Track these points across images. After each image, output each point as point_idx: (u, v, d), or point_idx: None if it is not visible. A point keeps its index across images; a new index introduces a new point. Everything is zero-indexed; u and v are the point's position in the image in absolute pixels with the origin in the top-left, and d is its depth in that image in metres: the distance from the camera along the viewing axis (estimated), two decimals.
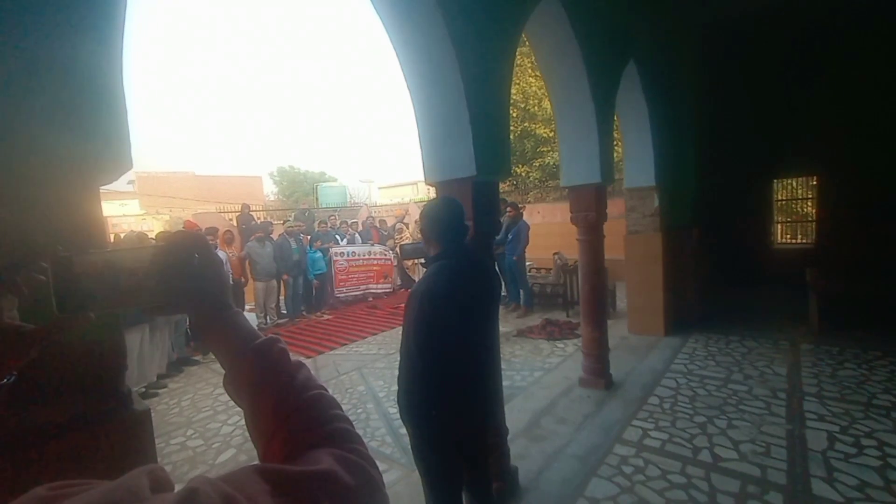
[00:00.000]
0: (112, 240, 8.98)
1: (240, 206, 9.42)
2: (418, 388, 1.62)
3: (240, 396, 0.52)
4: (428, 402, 1.61)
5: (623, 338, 5.01)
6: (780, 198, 8.54)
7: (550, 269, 8.29)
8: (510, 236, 6.65)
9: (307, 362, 5.32)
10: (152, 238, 5.24)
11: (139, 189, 27.06)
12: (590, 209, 3.39)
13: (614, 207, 10.27)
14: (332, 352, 5.47)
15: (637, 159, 4.67)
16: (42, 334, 0.57)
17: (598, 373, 3.63)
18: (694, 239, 5.67)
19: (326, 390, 0.54)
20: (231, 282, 6.17)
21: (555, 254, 8.11)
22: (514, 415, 3.26)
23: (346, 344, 5.74)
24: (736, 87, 7.67)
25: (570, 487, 2.39)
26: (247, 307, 7.00)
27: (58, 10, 0.91)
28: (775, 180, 8.33)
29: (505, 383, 3.92)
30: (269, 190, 31.58)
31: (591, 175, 3.31)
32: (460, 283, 1.62)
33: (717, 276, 7.04)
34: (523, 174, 13.60)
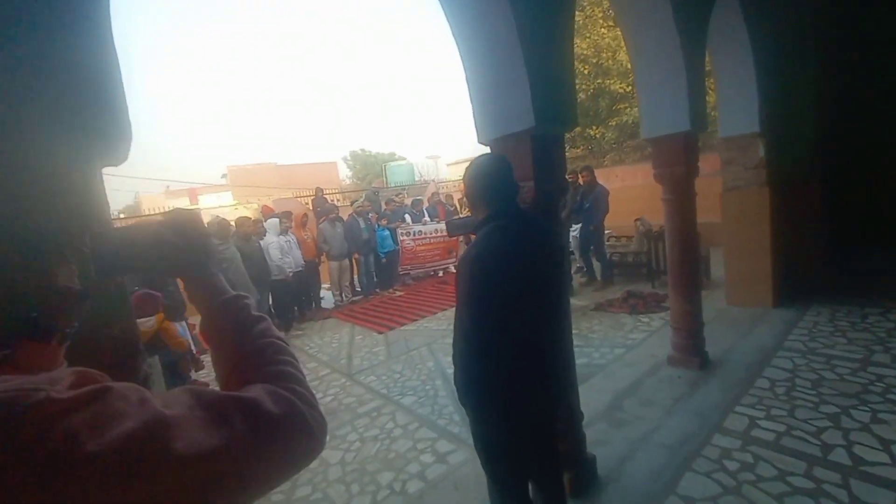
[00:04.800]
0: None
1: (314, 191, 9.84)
2: (475, 365, 1.43)
3: (209, 343, 0.61)
4: (487, 381, 1.43)
5: (720, 310, 4.40)
6: None
7: (631, 236, 7.60)
8: (587, 204, 6.13)
9: (379, 338, 5.45)
10: (232, 224, 5.59)
11: (231, 181, 29.72)
12: (677, 163, 2.90)
13: (705, 164, 9.09)
14: (402, 327, 5.51)
15: (735, 103, 3.94)
16: (87, 294, 0.67)
17: (691, 350, 3.19)
18: (814, 194, 4.76)
19: (283, 341, 0.62)
20: (304, 261, 6.46)
21: (636, 219, 7.39)
22: (592, 395, 2.97)
23: (416, 320, 5.75)
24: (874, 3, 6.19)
25: (659, 482, 2.08)
26: (323, 286, 7.33)
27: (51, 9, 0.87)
28: None
29: (581, 361, 3.63)
30: (345, 174, 32.99)
31: (677, 122, 2.80)
32: (514, 245, 1.40)
33: (845, 236, 5.91)
34: (598, 136, 12.58)
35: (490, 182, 1.47)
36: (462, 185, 1.72)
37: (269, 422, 0.47)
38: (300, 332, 5.96)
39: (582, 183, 6.26)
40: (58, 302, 0.63)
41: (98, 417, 0.37)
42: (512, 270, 1.38)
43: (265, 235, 5.89)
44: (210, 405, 0.44)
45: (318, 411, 0.53)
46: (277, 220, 6.21)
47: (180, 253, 0.61)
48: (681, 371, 3.16)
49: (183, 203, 27.12)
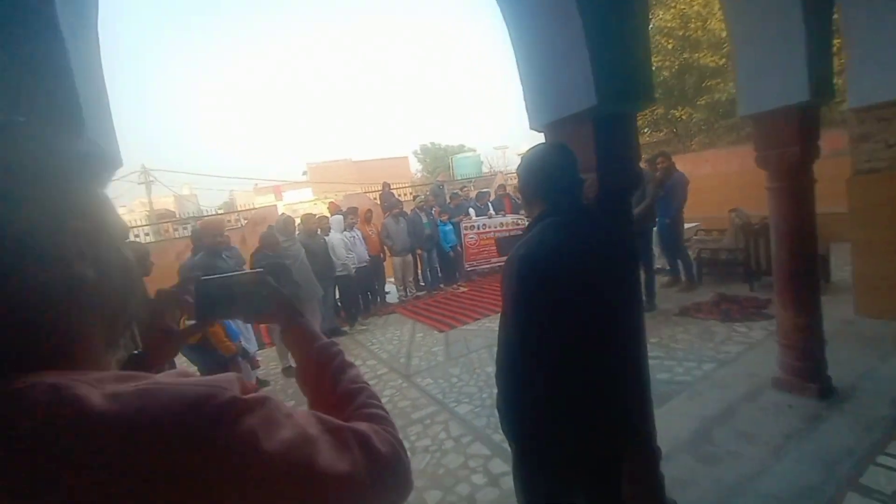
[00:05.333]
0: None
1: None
2: (520, 389, 1.20)
3: (305, 385, 0.65)
4: (534, 411, 1.19)
5: (847, 322, 3.61)
6: None
7: (724, 230, 6.67)
8: (661, 193, 5.43)
9: (440, 336, 5.30)
10: (298, 220, 5.75)
11: (310, 178, 31.62)
12: (790, 143, 2.33)
13: (824, 143, 7.67)
14: (463, 327, 5.32)
15: (873, 63, 3.15)
16: (185, 334, 0.70)
17: (807, 373, 2.60)
18: None
19: (369, 386, 0.64)
20: (368, 257, 6.50)
21: (731, 211, 6.46)
22: (674, 420, 2.53)
23: (478, 319, 5.52)
24: None
25: None
26: (387, 280, 7.37)
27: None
28: None
29: (661, 376, 3.16)
30: (415, 168, 33.57)
31: (791, 92, 2.23)
32: (573, 245, 1.17)
33: None
34: (684, 117, 11.34)
35: (547, 173, 1.24)
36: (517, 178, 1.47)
37: (380, 458, 0.49)
38: (364, 328, 6.03)
39: (659, 170, 5.55)
40: (159, 342, 0.64)
41: (268, 422, 0.40)
42: (569, 274, 1.14)
43: (330, 232, 6.01)
44: (333, 430, 0.46)
45: (407, 453, 0.54)
46: (341, 216, 6.32)
47: (276, 303, 0.68)
48: (792, 398, 2.58)
49: (269, 199, 29.46)
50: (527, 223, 1.32)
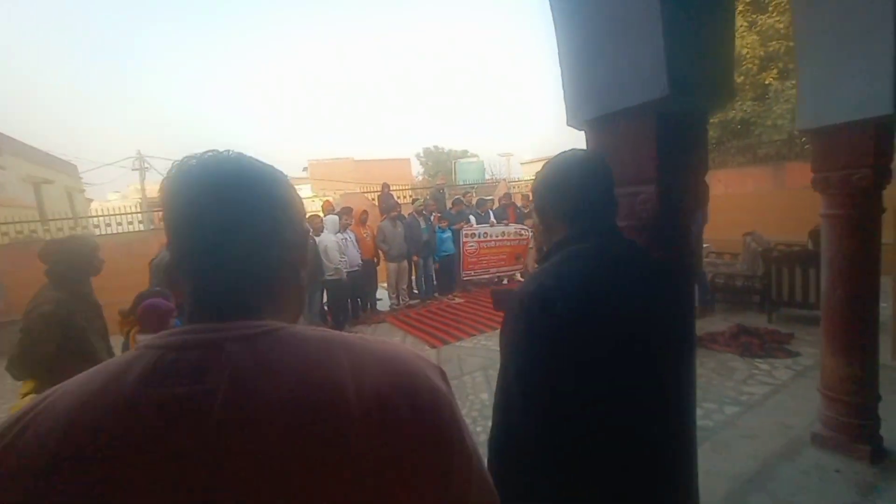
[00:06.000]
0: None
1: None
2: (522, 469, 0.84)
3: None
4: (538, 491, 0.83)
5: (885, 368, 3.26)
6: None
7: (736, 253, 6.36)
8: None
9: (430, 353, 4.90)
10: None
11: (311, 175, 31.18)
12: (860, 163, 1.98)
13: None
14: (458, 343, 4.94)
15: None
16: None
17: (855, 432, 2.24)
18: None
19: None
20: (361, 261, 6.13)
21: (746, 234, 6.15)
22: (701, 477, 2.16)
23: (473, 335, 5.15)
24: None
25: None
26: (381, 284, 6.99)
27: None
28: None
29: None
30: (417, 170, 33.22)
31: (870, 104, 1.88)
32: (605, 281, 0.86)
33: None
34: None
35: (572, 188, 0.94)
36: (531, 192, 1.11)
37: None
38: None
39: None
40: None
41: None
42: (599, 321, 0.82)
43: (322, 232, 5.63)
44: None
45: None
46: (336, 217, 5.93)
47: None
48: (839, 461, 2.22)
49: None
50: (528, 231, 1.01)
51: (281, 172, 0.55)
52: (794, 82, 9.17)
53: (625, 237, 1.01)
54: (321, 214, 6.96)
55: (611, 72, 1.18)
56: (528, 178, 19.74)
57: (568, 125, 1.36)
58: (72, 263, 2.02)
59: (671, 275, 1.05)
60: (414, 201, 7.06)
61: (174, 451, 0.38)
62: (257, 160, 0.54)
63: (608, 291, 0.84)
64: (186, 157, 0.51)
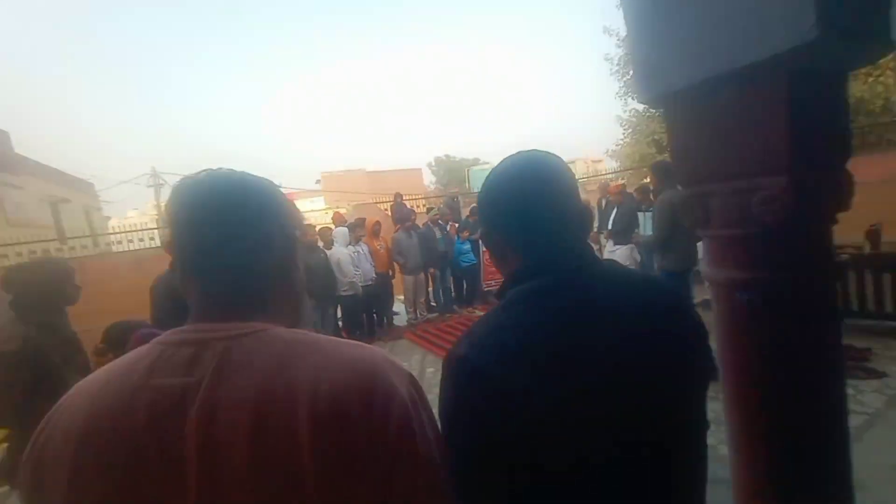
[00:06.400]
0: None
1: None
2: None
3: None
4: None
5: None
6: None
7: None
8: None
9: None
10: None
11: (323, 187, 31.33)
12: None
13: (875, 167, 6.69)
14: None
15: None
16: None
17: None
18: None
19: None
20: (375, 274, 5.84)
21: None
22: None
23: None
24: None
25: None
26: (397, 298, 6.69)
27: None
28: None
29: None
30: (429, 180, 33.13)
31: None
32: (570, 337, 0.60)
33: None
34: None
35: (520, 205, 0.69)
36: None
37: None
38: None
39: None
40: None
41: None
42: (557, 394, 0.57)
43: (333, 245, 5.36)
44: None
45: None
46: (346, 229, 5.65)
47: None
48: None
49: None
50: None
51: (270, 183, 0.62)
52: None
53: (602, 264, 0.72)
54: (333, 227, 6.72)
55: (716, 16, 0.84)
56: None
57: (642, 101, 1.02)
58: (41, 292, 1.74)
59: (679, 310, 0.71)
60: (429, 210, 6.73)
61: (160, 434, 0.47)
62: (249, 175, 0.61)
63: (573, 352, 0.59)
64: (186, 176, 0.59)
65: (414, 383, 0.54)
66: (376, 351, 0.55)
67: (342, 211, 8.55)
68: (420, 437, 0.49)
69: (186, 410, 0.47)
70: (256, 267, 0.57)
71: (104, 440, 0.47)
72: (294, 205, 0.66)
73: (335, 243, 5.41)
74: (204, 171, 0.58)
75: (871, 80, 8.11)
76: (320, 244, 5.20)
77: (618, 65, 12.47)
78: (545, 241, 0.67)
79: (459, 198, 8.19)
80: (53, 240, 9.39)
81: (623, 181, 10.69)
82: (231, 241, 0.55)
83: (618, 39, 12.31)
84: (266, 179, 0.61)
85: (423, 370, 4.56)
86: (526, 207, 0.67)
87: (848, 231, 5.95)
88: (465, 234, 6.78)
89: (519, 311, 0.64)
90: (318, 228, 5.37)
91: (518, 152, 0.75)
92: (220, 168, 0.59)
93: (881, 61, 7.81)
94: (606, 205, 7.05)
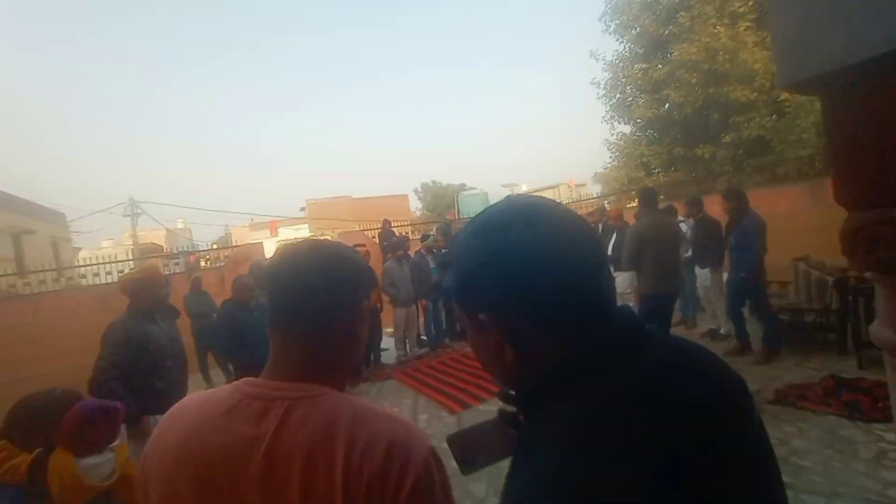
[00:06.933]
0: None
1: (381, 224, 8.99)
2: None
3: None
4: None
5: None
6: None
7: (786, 282, 5.63)
8: (733, 241, 4.41)
9: (451, 421, 4.04)
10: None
11: (308, 214, 30.85)
12: None
13: (809, 193, 6.64)
14: (482, 406, 4.12)
15: None
16: None
17: None
18: None
19: None
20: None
21: (797, 260, 5.46)
22: None
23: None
24: None
25: None
26: (385, 332, 6.22)
27: None
28: None
29: None
30: (415, 206, 32.94)
31: None
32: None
33: None
34: (706, 156, 10.56)
35: (562, 261, 0.47)
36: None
37: None
38: None
39: (727, 213, 4.55)
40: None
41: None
42: None
43: None
44: None
45: None
46: None
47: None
48: None
49: (264, 235, 28.63)
50: (505, 394, 0.58)
51: (353, 256, 0.76)
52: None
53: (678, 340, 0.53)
54: None
55: None
56: None
57: (783, 85, 0.68)
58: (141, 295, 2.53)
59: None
60: (422, 238, 6.36)
61: (232, 474, 0.60)
62: (339, 247, 0.78)
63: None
64: (291, 241, 0.78)
65: (433, 455, 0.63)
66: (401, 423, 0.66)
67: (327, 239, 8.14)
68: (429, 500, 0.60)
69: (252, 457, 0.60)
70: (324, 331, 0.70)
71: (192, 467, 0.62)
72: (373, 277, 0.80)
73: None
74: (305, 239, 0.82)
75: None
76: None
77: (604, 89, 12.58)
78: (593, 311, 0.49)
79: (453, 224, 7.85)
80: (12, 274, 8.70)
81: (608, 203, 10.62)
82: (305, 305, 0.68)
83: (604, 63, 12.48)
84: (352, 252, 0.78)
85: (416, 417, 4.09)
86: (567, 265, 0.47)
87: (840, 254, 5.80)
88: None
89: (610, 433, 0.42)
90: None
91: (501, 201, 0.55)
92: (320, 239, 0.81)
93: (794, 103, 7.94)
94: (604, 229, 6.81)
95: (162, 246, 25.18)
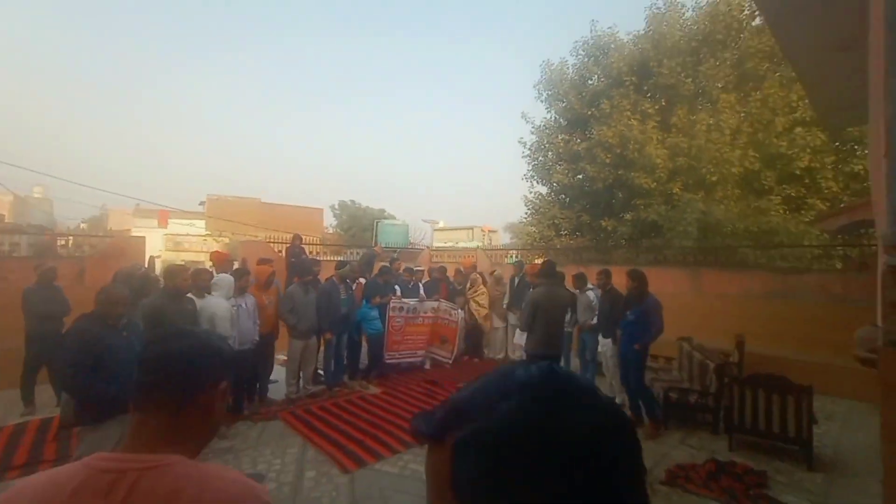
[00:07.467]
0: (147, 263, 8.05)
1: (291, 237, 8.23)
2: None
3: None
4: None
5: None
6: None
7: (670, 357, 6.19)
8: (631, 316, 4.70)
9: (342, 481, 3.48)
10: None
11: (208, 210, 27.78)
12: None
13: (753, 282, 7.87)
14: (378, 465, 3.70)
15: None
16: None
17: None
18: None
19: None
20: (257, 337, 4.71)
21: (681, 339, 6.03)
22: None
23: (398, 451, 3.94)
24: None
25: None
26: (277, 362, 5.50)
27: None
28: None
29: None
30: (329, 222, 31.53)
31: None
32: None
33: None
34: (609, 228, 11.66)
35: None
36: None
37: None
38: (227, 443, 4.05)
39: (629, 289, 4.88)
40: None
41: None
42: None
43: (207, 295, 4.17)
44: None
45: None
46: (231, 278, 4.49)
47: None
48: None
49: (150, 224, 24.95)
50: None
51: (216, 342, 0.87)
52: (701, 194, 10.39)
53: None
54: (209, 266, 5.46)
55: None
56: (445, 247, 19.50)
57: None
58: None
59: None
60: (338, 265, 5.87)
61: None
62: (205, 335, 0.88)
63: None
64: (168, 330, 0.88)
65: None
66: (250, 492, 0.71)
67: (225, 242, 7.16)
68: None
69: None
70: (184, 407, 0.75)
71: None
72: (230, 360, 0.87)
73: (214, 292, 4.23)
74: (172, 330, 0.87)
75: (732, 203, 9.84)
76: (191, 293, 3.98)
77: (529, 150, 13.46)
78: None
79: (377, 257, 7.42)
80: None
81: (518, 256, 11.18)
82: (171, 384, 0.76)
83: (532, 127, 13.42)
84: (220, 340, 0.91)
85: (302, 472, 3.53)
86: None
87: (713, 337, 6.54)
88: (377, 299, 6.00)
89: None
90: (191, 271, 4.15)
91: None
92: (188, 329, 0.88)
93: (684, 199, 9.78)
94: (519, 283, 6.97)
95: (3, 215, 20.50)
